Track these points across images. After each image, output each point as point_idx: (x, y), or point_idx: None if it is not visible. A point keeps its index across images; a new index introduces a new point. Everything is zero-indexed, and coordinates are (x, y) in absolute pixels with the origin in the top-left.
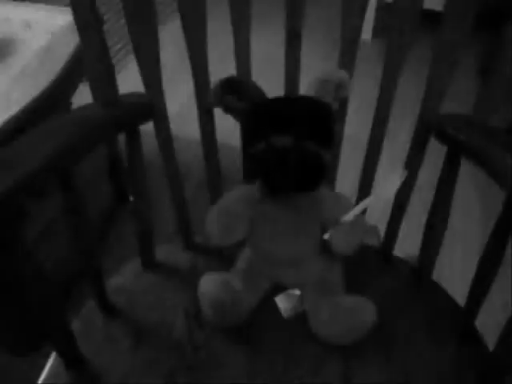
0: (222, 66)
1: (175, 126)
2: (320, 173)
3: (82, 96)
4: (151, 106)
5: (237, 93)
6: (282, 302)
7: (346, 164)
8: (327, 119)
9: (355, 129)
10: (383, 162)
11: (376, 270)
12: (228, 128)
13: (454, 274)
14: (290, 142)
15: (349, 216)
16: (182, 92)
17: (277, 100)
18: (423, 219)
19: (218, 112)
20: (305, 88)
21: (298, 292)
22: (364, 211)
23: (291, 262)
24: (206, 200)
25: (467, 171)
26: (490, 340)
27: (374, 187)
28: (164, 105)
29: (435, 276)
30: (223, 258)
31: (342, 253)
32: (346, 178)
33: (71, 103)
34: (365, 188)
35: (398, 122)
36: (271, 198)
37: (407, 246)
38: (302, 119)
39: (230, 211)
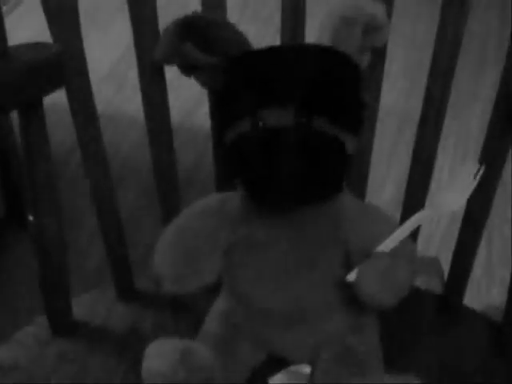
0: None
1: (106, 96)
2: (339, 170)
3: None
4: (62, 63)
5: (203, 40)
6: None
7: (385, 157)
8: (351, 83)
9: (400, 99)
10: (446, 152)
11: (436, 329)
12: (189, 98)
13: None
14: (290, 120)
15: (388, 242)
16: (118, 39)
17: (268, 52)
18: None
19: (172, 72)
20: (314, 32)
21: (306, 369)
22: (415, 234)
23: (294, 319)
24: (153, 219)
25: None
26: None
27: (430, 194)
28: (84, 61)
29: None
30: (183, 313)
31: (378, 303)
32: (385, 179)
33: None
34: (415, 195)
35: (468, 91)
36: (260, 214)
37: (486, 290)
38: (310, 83)
39: (193, 236)
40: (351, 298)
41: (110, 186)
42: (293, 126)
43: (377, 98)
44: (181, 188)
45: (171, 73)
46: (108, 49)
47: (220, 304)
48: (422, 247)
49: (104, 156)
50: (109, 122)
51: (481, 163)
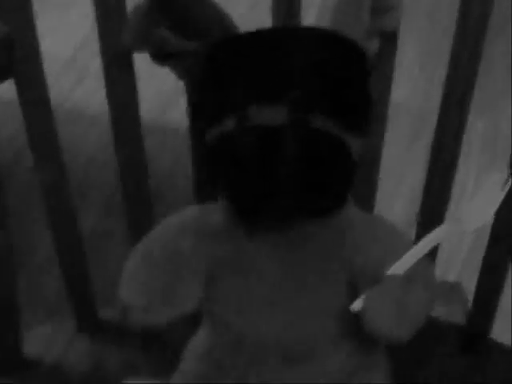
0: None
1: (64, 88)
2: (343, 177)
3: None
4: (11, 49)
5: (180, 22)
6: None
7: (397, 163)
8: (356, 74)
9: (415, 94)
10: (470, 159)
11: (458, 365)
12: (163, 92)
13: None
14: (283, 117)
15: (401, 264)
16: (80, 22)
17: (257, 36)
18: None
19: (142, 60)
20: (314, 13)
21: None
22: (433, 254)
23: (289, 356)
24: (120, 236)
25: None
26: None
27: (451, 208)
28: (36, 45)
29: None
30: (156, 348)
31: (388, 338)
32: (398, 190)
33: None
34: (432, 209)
35: (497, 85)
36: (248, 230)
37: None
38: (307, 74)
39: (167, 257)
40: (357, 329)
41: (68, 195)
42: (287, 123)
43: (387, 93)
44: (153, 198)
45: (141, 61)
46: (67, 32)
47: (201, 337)
48: (441, 270)
49: (60, 159)
50: (67, 119)
51: (510, 171)
